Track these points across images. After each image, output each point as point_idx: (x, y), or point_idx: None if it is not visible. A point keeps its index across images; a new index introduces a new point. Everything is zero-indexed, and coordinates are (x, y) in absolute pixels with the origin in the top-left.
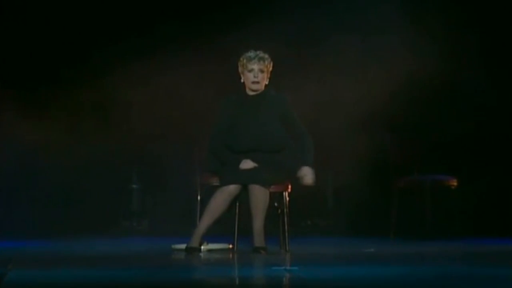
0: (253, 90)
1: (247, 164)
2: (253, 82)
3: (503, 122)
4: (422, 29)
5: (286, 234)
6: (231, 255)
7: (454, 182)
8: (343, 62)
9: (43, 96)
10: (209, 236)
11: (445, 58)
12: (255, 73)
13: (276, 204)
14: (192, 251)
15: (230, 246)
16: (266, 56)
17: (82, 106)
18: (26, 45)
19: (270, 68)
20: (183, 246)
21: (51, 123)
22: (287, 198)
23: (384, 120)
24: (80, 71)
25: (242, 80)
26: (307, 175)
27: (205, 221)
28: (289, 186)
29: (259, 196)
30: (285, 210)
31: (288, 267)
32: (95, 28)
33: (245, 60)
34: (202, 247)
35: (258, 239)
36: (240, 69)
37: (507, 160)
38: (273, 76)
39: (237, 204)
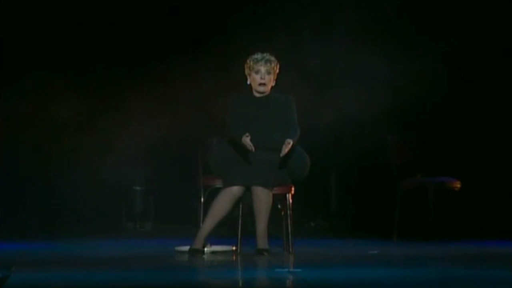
0: (259, 92)
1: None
2: (260, 84)
3: (508, 124)
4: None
5: (290, 236)
6: (234, 257)
7: (458, 184)
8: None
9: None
10: (212, 238)
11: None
12: (262, 75)
13: (279, 206)
14: (196, 253)
15: (234, 248)
16: (273, 58)
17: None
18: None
19: (277, 70)
20: (186, 248)
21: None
22: (290, 200)
23: (387, 121)
24: (80, 73)
25: (248, 82)
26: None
27: (208, 223)
28: (292, 188)
29: (262, 198)
30: (288, 212)
31: (291, 269)
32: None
33: (252, 62)
34: (205, 249)
35: (262, 241)
36: (246, 71)
37: (511, 163)
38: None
39: (241, 206)
